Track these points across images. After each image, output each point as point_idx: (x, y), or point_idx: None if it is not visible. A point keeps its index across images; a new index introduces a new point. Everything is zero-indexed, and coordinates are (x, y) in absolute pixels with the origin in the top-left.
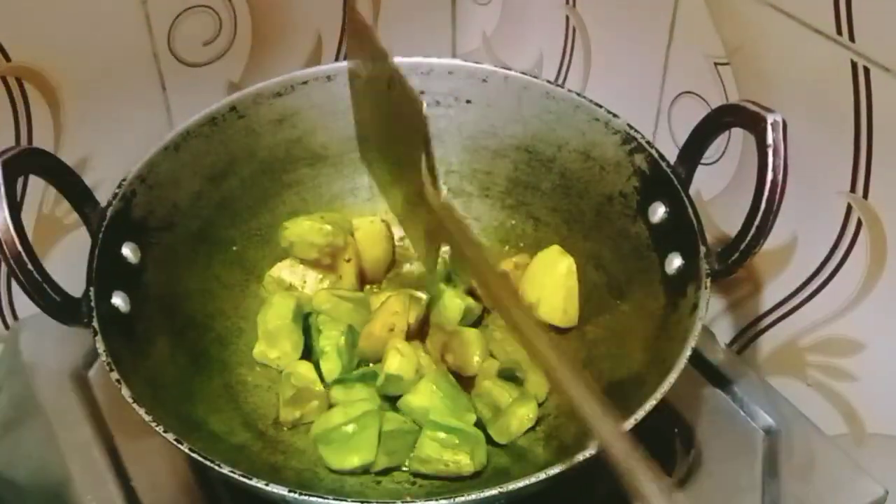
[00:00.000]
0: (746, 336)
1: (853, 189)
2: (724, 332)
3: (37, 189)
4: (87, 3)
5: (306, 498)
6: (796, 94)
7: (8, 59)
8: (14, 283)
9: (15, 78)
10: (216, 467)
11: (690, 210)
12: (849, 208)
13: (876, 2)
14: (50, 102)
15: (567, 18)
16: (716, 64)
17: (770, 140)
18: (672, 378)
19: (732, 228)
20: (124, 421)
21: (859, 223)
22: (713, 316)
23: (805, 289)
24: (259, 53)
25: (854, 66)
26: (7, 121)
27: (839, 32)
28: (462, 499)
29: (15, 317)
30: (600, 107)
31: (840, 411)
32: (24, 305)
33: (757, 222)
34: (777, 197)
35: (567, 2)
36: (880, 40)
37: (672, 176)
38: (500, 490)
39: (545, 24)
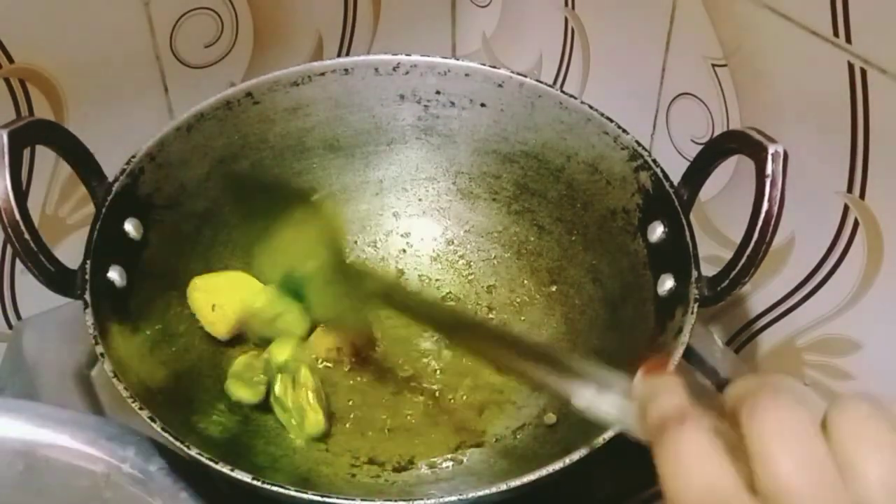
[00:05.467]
0: (744, 335)
1: (850, 189)
2: (721, 330)
3: (40, 189)
4: (90, 5)
5: (269, 487)
6: (794, 95)
7: (11, 60)
8: (17, 283)
9: (18, 79)
10: (185, 447)
11: (688, 233)
12: (846, 209)
13: (873, 4)
14: (52, 103)
15: (566, 20)
16: (714, 65)
17: (769, 171)
18: None
19: (730, 230)
20: (127, 419)
21: (856, 223)
22: (711, 315)
23: (802, 288)
24: (261, 55)
25: (851, 67)
26: (9, 121)
27: (836, 34)
28: (421, 502)
29: (18, 316)
30: (611, 121)
31: None
32: (27, 305)
33: (748, 252)
34: (770, 228)
35: (566, 3)
36: (877, 42)
37: (674, 197)
38: (460, 497)
39: (544, 25)
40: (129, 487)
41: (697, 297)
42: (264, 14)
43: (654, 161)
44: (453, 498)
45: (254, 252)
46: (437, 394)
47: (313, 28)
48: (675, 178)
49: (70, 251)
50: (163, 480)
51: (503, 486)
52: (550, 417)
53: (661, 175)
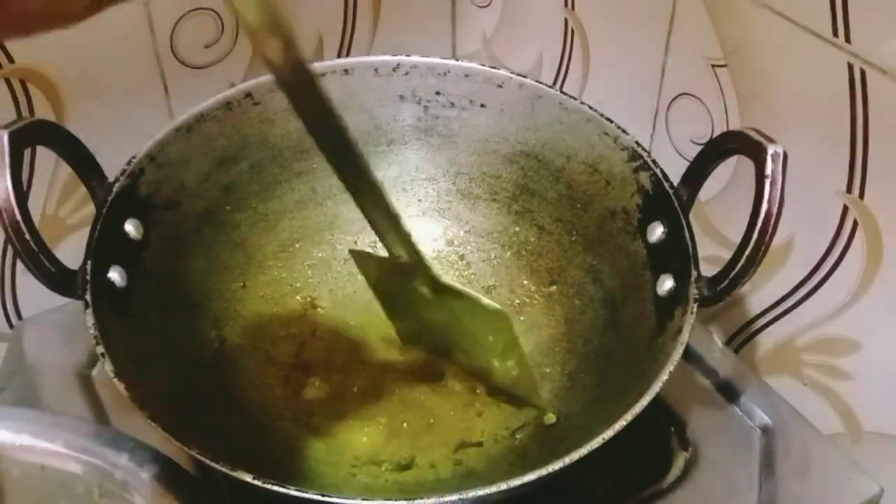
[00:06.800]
0: (743, 335)
1: (849, 190)
2: (721, 330)
3: (40, 189)
4: None
5: (270, 487)
6: (793, 95)
7: (11, 60)
8: (17, 282)
9: (18, 79)
10: (185, 448)
11: (687, 233)
12: (845, 209)
13: (872, 4)
14: (53, 104)
15: (566, 20)
16: (713, 66)
17: (769, 171)
18: (645, 401)
19: (730, 230)
20: (127, 419)
21: (855, 224)
22: (711, 315)
23: (802, 288)
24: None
25: (850, 67)
26: (10, 121)
27: (835, 34)
28: (421, 501)
29: (19, 316)
30: (611, 121)
31: (836, 410)
32: (28, 304)
33: (748, 252)
34: (770, 228)
35: (566, 4)
36: (876, 42)
37: (674, 197)
38: (460, 497)
39: (544, 25)
40: (122, 493)
41: (697, 297)
42: None
43: (654, 161)
44: (453, 498)
45: None
46: (437, 394)
47: (313, 28)
48: (675, 178)
49: (70, 251)
50: (155, 487)
51: (503, 486)
52: (550, 418)
53: (660, 175)
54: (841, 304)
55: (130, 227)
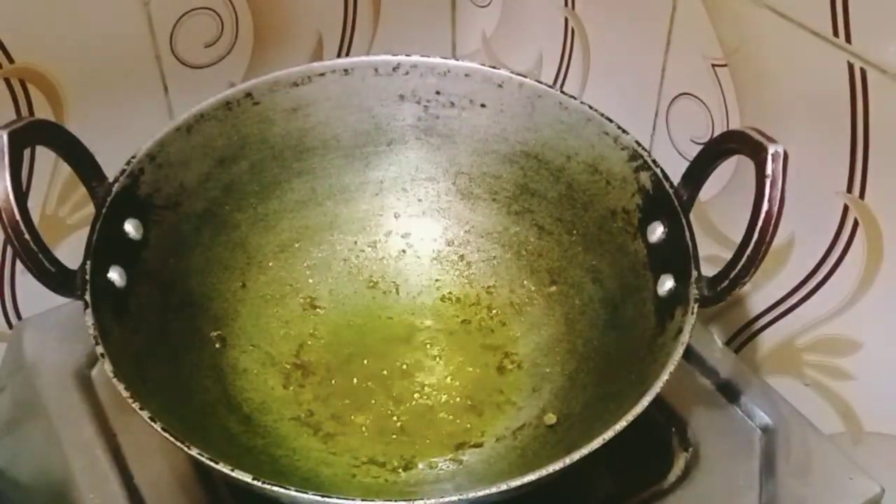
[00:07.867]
0: (744, 335)
1: (850, 189)
2: (721, 330)
3: (40, 189)
4: (91, 5)
5: (270, 487)
6: (794, 95)
7: (11, 60)
8: (17, 282)
9: (18, 79)
10: (185, 448)
11: (688, 234)
12: (846, 209)
13: (873, 4)
14: (52, 104)
15: (566, 20)
16: (714, 65)
17: (769, 171)
18: (646, 402)
19: (730, 230)
20: (127, 419)
21: (856, 223)
22: (711, 315)
23: (802, 288)
24: (261, 55)
25: (851, 67)
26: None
27: (836, 34)
28: (421, 502)
29: (18, 316)
30: (611, 121)
31: (837, 410)
32: (28, 304)
33: (748, 252)
34: (771, 228)
35: (566, 3)
36: (877, 42)
37: (674, 197)
38: (460, 497)
39: (544, 25)
40: None
41: (697, 297)
42: (264, 14)
43: (654, 161)
44: (453, 498)
45: None
46: (437, 394)
47: (313, 28)
48: (675, 178)
49: (70, 251)
50: None
51: (503, 486)
52: (550, 418)
53: (661, 175)
54: (842, 304)
55: (130, 227)
